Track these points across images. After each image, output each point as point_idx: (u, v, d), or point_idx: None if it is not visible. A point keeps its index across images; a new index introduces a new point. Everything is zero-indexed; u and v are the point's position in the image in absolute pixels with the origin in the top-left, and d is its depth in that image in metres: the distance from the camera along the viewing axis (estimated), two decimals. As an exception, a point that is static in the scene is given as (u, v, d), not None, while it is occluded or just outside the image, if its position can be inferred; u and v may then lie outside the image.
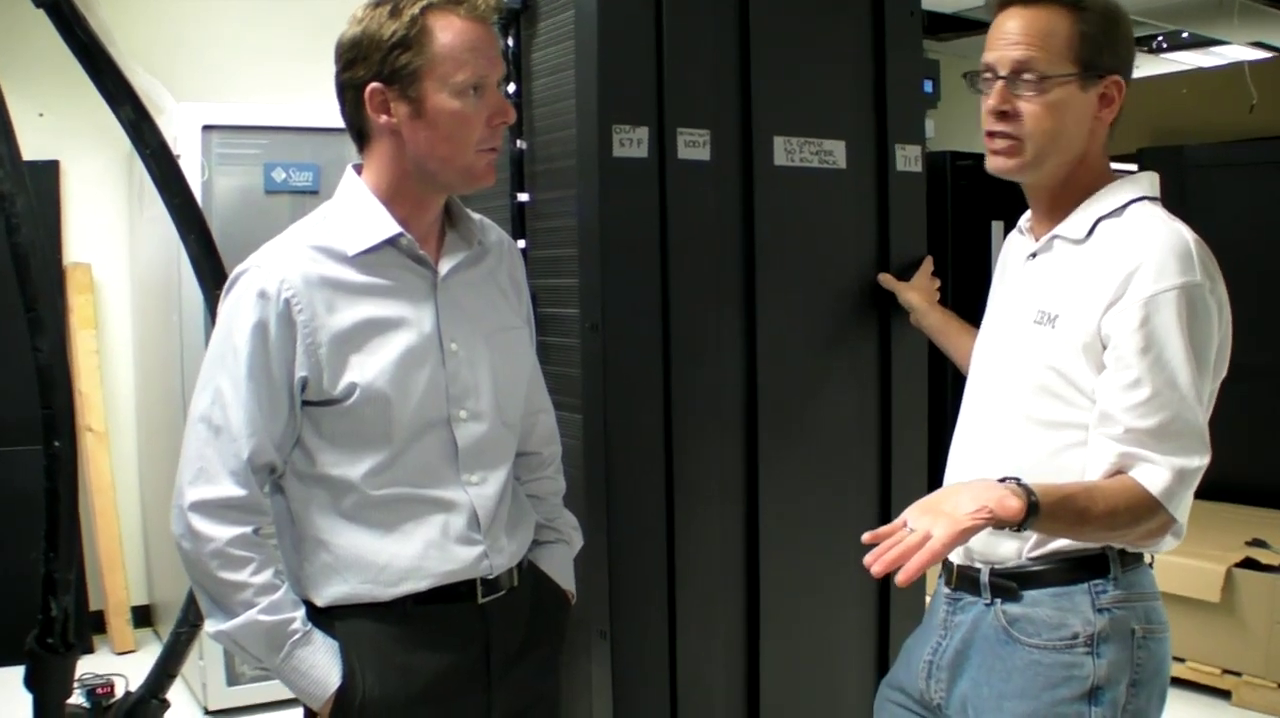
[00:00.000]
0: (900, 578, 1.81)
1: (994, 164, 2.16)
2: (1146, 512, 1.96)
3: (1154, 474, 1.95)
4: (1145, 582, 2.13)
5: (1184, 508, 1.98)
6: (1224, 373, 2.08)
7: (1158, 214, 2.07)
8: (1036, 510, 1.87)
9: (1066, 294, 2.06)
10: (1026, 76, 2.07)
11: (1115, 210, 2.09)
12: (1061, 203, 2.16)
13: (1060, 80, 2.07)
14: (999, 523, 1.86)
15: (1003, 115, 2.11)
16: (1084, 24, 2.07)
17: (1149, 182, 2.15)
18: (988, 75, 2.13)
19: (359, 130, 2.15)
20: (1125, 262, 1.98)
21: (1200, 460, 1.96)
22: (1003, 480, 1.92)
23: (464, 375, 2.17)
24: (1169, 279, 1.95)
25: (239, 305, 2.06)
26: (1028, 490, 1.88)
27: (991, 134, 2.14)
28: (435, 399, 2.13)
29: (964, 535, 1.84)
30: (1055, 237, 2.14)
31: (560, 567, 2.41)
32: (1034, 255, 2.19)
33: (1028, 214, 2.28)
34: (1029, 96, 2.08)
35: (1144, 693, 2.10)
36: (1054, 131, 2.09)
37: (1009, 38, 2.10)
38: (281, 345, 2.04)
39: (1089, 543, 2.06)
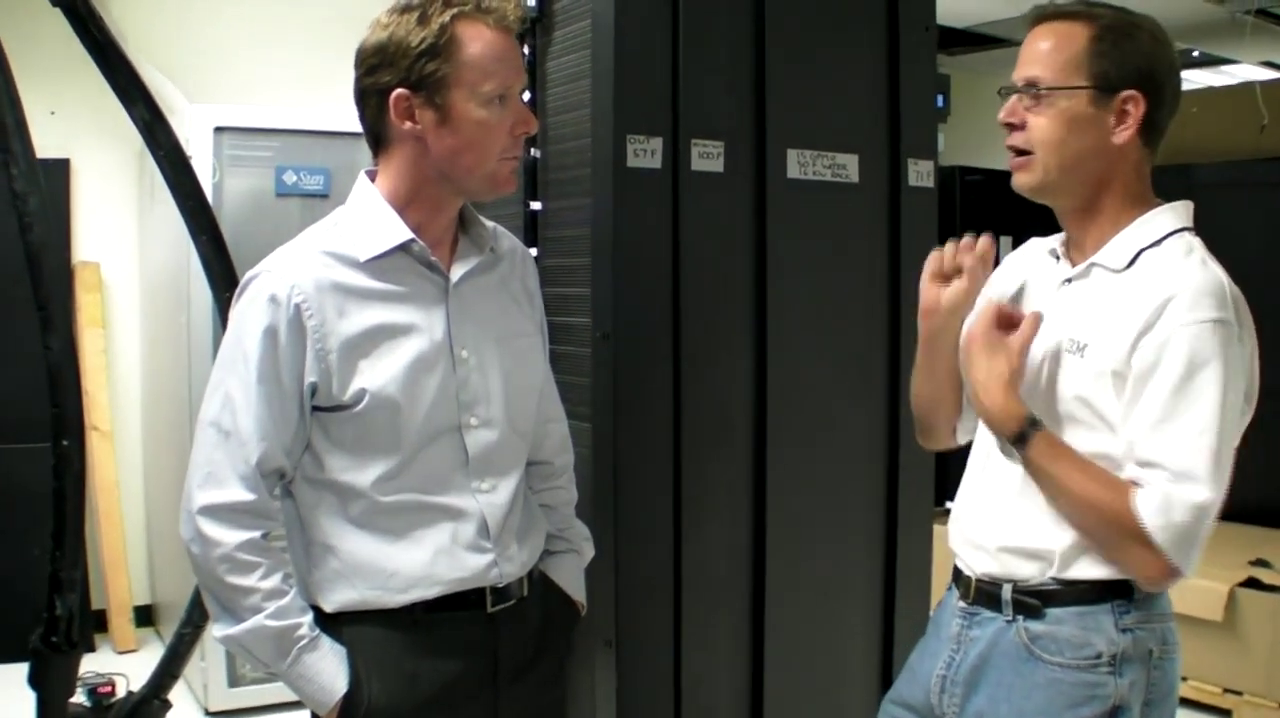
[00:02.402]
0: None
1: (1014, 180, 2.15)
2: (1123, 529, 1.96)
3: (1147, 499, 1.94)
4: (1163, 603, 2.12)
5: (1183, 547, 1.93)
6: (1248, 420, 2.06)
7: (1196, 248, 2.06)
8: (1035, 428, 2.05)
9: (1099, 322, 2.04)
10: (1033, 90, 2.08)
11: (1156, 241, 2.07)
12: (1095, 228, 2.13)
13: (1065, 92, 2.06)
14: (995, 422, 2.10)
15: (1011, 127, 2.12)
16: (1099, 41, 2.06)
17: (1185, 212, 2.14)
18: (1008, 93, 2.14)
19: (378, 136, 2.14)
20: (1161, 291, 1.97)
21: (1207, 495, 1.92)
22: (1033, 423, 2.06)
23: (474, 382, 2.17)
24: (1203, 312, 1.94)
25: (250, 310, 2.06)
26: (1034, 422, 2.06)
27: (1009, 149, 2.14)
28: (445, 406, 2.13)
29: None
30: (1094, 264, 2.11)
31: (571, 577, 2.40)
32: (1069, 281, 2.16)
33: (1060, 237, 2.25)
34: (1032, 107, 2.08)
35: (1156, 713, 2.10)
36: (1060, 143, 2.07)
37: (1028, 55, 2.11)
38: (291, 351, 2.04)
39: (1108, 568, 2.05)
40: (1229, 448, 1.97)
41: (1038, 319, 2.09)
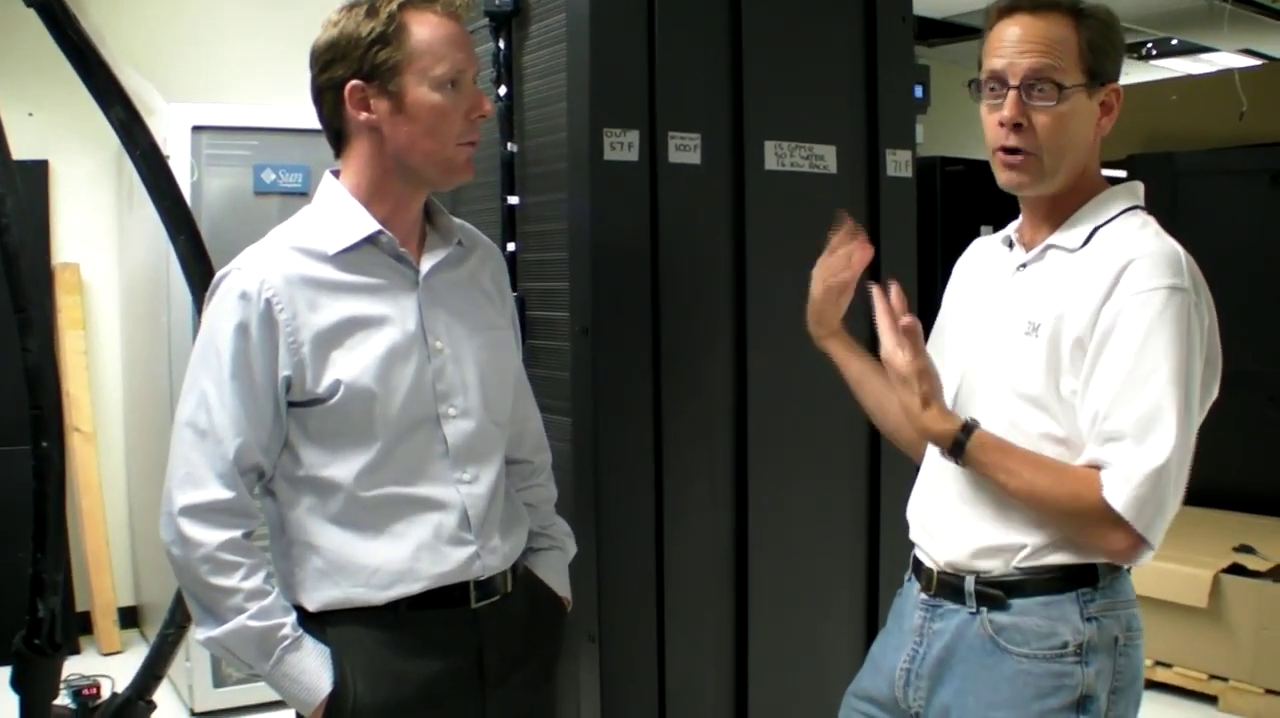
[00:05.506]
0: None
1: (1009, 179, 2.10)
2: (1092, 514, 1.96)
3: (1113, 480, 1.94)
4: (1127, 589, 2.11)
5: (1153, 519, 1.93)
6: (1215, 393, 2.06)
7: (1150, 223, 2.07)
8: (967, 438, 2.06)
9: (1056, 301, 2.04)
10: (1042, 87, 2.03)
11: (1109, 219, 2.07)
12: (1058, 213, 2.12)
13: (1072, 90, 2.03)
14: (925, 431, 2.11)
15: (1016, 128, 2.05)
16: (1088, 31, 2.04)
17: (1138, 191, 2.14)
18: (993, 85, 2.08)
19: (337, 132, 2.16)
20: (1117, 260, 1.97)
21: (1166, 456, 1.91)
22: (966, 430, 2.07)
23: (450, 372, 2.17)
24: (1159, 279, 1.94)
25: (221, 308, 2.06)
26: (968, 427, 2.07)
27: (1006, 149, 2.08)
28: (422, 396, 2.13)
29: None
30: (1050, 246, 2.11)
31: (555, 573, 2.40)
32: (1024, 266, 2.15)
33: (1015, 225, 2.24)
34: (1044, 107, 2.03)
35: (1123, 700, 2.09)
36: (1066, 144, 2.05)
37: (1018, 45, 2.04)
38: (264, 346, 2.04)
39: (1072, 554, 2.05)
40: (1192, 413, 1.97)
41: (912, 329, 2.11)
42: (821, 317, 2.46)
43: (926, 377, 2.10)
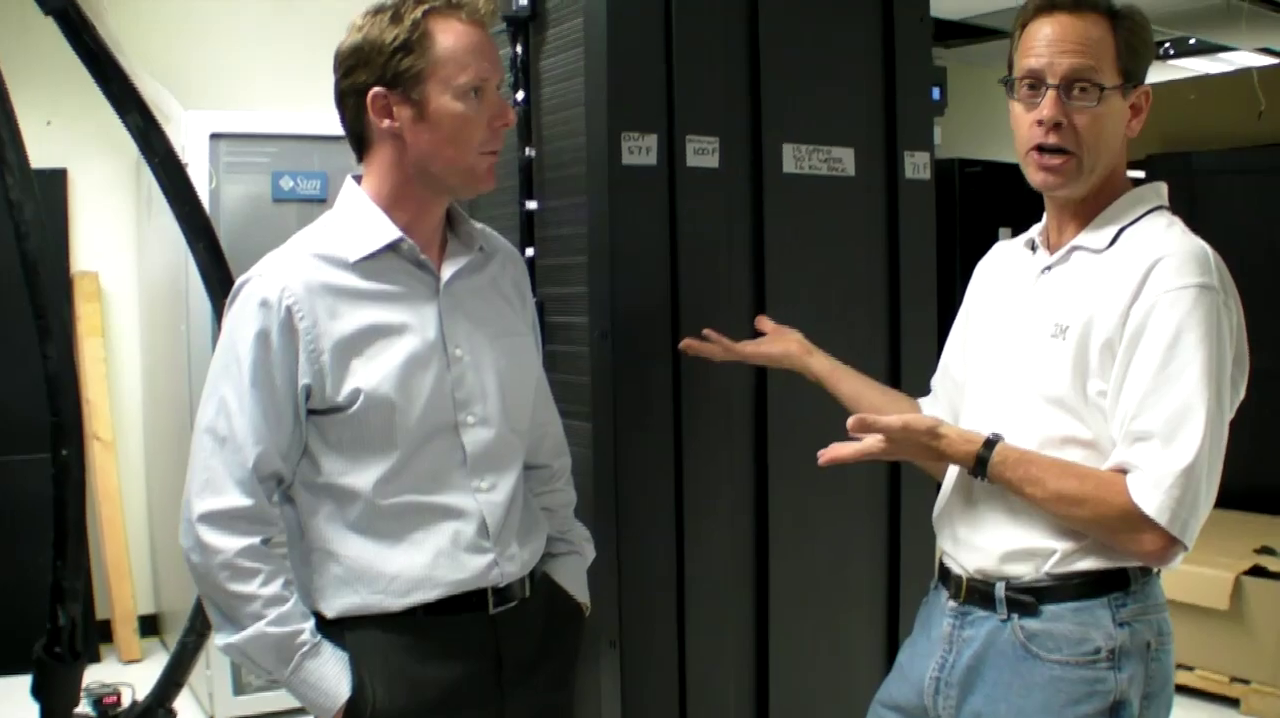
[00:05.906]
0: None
1: (1044, 180, 2.08)
2: (1121, 517, 1.94)
3: (1140, 482, 1.92)
4: (1158, 593, 2.09)
5: (1184, 519, 1.91)
6: (1243, 393, 2.04)
7: (1176, 222, 2.06)
8: (989, 453, 2.03)
9: (1083, 303, 2.02)
10: (1083, 86, 2.02)
11: (1135, 220, 2.07)
12: (1084, 214, 2.12)
13: (1111, 91, 2.03)
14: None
15: (1056, 127, 2.04)
16: (1124, 32, 2.04)
17: (1162, 191, 2.14)
18: (1030, 83, 2.07)
19: (359, 137, 2.16)
20: (1145, 259, 1.96)
21: (1192, 457, 1.89)
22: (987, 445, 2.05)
23: (470, 380, 2.17)
24: (1188, 278, 1.93)
25: (241, 315, 2.06)
26: (990, 443, 2.04)
27: (1043, 149, 2.06)
28: (441, 405, 2.13)
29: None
30: (1075, 248, 2.10)
31: (574, 578, 2.39)
32: (1048, 269, 2.14)
33: (1037, 228, 2.22)
34: (1085, 107, 2.03)
35: (1155, 705, 2.07)
36: (1103, 144, 2.05)
37: (1057, 44, 2.03)
38: (284, 353, 2.04)
39: (1105, 559, 2.03)
40: (1222, 411, 1.96)
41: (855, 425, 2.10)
42: (784, 356, 2.60)
43: (913, 423, 2.09)
